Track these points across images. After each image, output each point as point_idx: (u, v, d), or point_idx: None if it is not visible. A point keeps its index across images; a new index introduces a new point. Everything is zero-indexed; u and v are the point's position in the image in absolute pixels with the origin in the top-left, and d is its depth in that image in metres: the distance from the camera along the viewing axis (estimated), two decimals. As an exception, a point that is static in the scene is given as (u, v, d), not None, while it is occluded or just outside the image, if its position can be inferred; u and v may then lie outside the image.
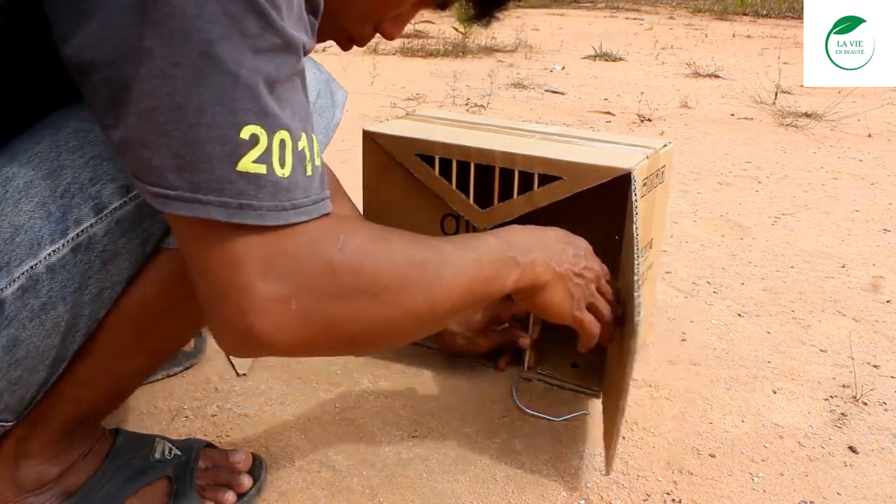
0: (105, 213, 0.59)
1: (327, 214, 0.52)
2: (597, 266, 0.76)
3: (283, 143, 0.48)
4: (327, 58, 3.97)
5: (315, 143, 0.52)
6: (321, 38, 0.71)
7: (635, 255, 0.75)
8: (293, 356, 0.57)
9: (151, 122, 0.46)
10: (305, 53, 0.51)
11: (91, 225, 0.58)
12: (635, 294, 0.73)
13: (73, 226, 0.58)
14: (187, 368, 1.02)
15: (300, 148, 0.50)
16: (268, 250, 0.48)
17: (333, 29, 0.69)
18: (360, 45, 0.73)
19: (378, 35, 0.71)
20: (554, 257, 0.69)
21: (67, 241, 0.58)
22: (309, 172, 0.50)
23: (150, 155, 0.47)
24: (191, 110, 0.46)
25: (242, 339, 0.50)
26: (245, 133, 0.46)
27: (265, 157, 0.47)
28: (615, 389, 0.78)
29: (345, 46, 0.75)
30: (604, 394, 0.93)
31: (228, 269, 0.48)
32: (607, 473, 0.82)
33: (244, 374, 1.03)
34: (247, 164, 0.47)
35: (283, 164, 0.48)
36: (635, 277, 0.73)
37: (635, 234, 0.77)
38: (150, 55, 0.45)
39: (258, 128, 0.47)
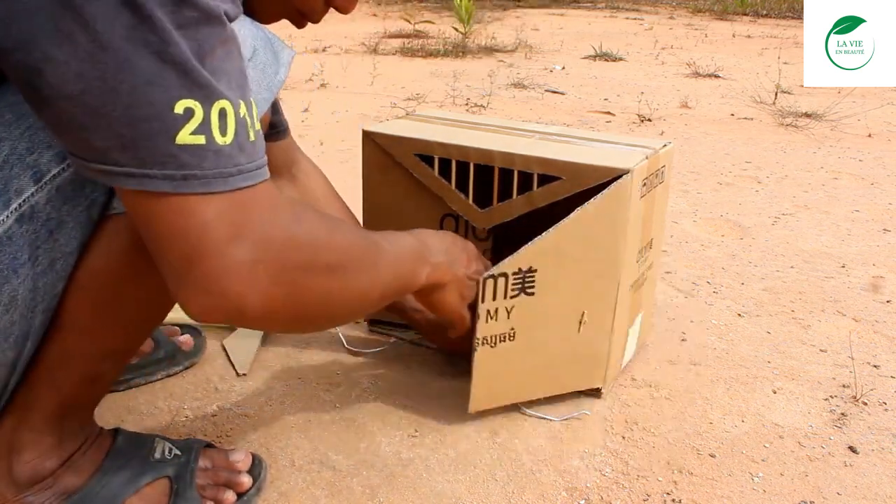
0: (45, 180, 0.59)
1: (269, 179, 0.54)
2: (482, 268, 0.84)
3: (223, 112, 0.50)
4: (328, 58, 3.98)
5: (254, 109, 0.54)
6: (273, 17, 0.73)
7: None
8: (256, 324, 0.58)
9: (84, 106, 0.47)
10: (231, 20, 0.52)
11: (32, 194, 0.58)
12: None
13: (14, 196, 0.58)
14: (187, 368, 1.02)
15: (241, 115, 0.51)
16: (232, 217, 0.50)
17: (284, 6, 0.71)
18: (315, 20, 0.74)
19: (339, 16, 0.74)
20: (454, 261, 0.78)
21: (11, 213, 0.58)
22: (252, 138, 0.52)
23: (88, 136, 0.48)
24: (124, 92, 0.47)
25: (214, 303, 0.51)
26: (179, 108, 0.48)
27: (203, 129, 0.49)
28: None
29: (298, 23, 0.76)
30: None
31: (195, 237, 0.50)
32: (470, 410, 0.91)
33: (244, 374, 1.03)
34: (185, 136, 0.48)
35: (224, 133, 0.50)
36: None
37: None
38: (71, 39, 0.46)
39: (192, 101, 0.48)
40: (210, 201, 0.50)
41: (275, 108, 0.97)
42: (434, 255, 0.75)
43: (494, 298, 0.86)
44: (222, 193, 0.50)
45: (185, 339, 1.03)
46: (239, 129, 0.51)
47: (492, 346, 0.88)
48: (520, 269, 0.87)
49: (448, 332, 0.88)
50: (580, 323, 0.92)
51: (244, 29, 0.67)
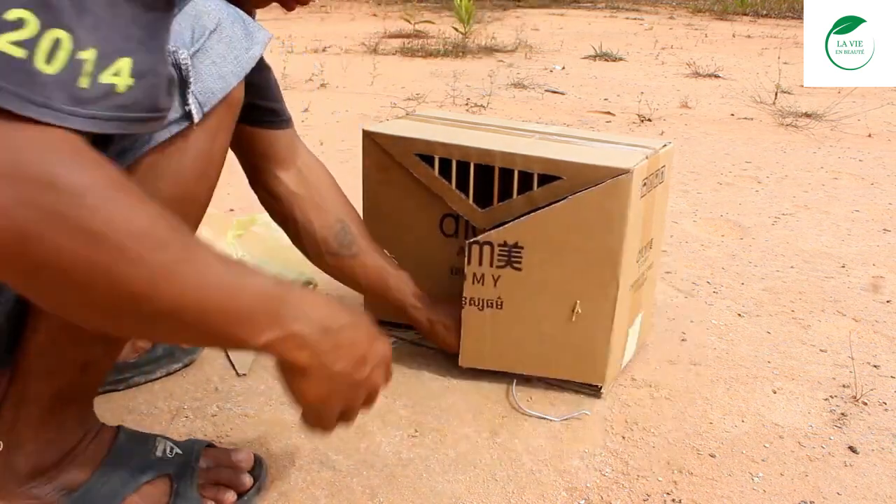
0: None
1: (81, 134, 0.48)
2: (380, 380, 0.67)
3: (57, 41, 0.46)
4: (328, 58, 3.98)
5: (124, 67, 0.49)
6: (263, 2, 0.73)
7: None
8: None
9: None
10: None
11: None
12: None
13: None
14: (187, 365, 1.02)
15: (82, 58, 0.47)
16: (5, 141, 0.44)
17: None
18: (303, 2, 0.74)
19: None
20: (333, 349, 0.59)
21: None
22: (84, 85, 0.47)
23: None
24: None
25: None
26: (11, 15, 0.44)
27: (28, 44, 0.45)
28: None
29: (288, 6, 0.76)
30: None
31: None
32: (461, 364, 1.00)
33: (244, 374, 1.03)
34: (3, 42, 0.44)
35: (49, 61, 0.46)
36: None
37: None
38: None
39: (29, 14, 0.45)
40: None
41: (273, 95, 0.95)
42: (296, 323, 0.56)
43: (480, 264, 0.94)
44: (11, 114, 0.44)
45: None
46: (69, 68, 0.46)
47: (479, 309, 0.97)
48: (505, 243, 0.93)
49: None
50: (573, 311, 0.93)
51: (210, 3, 0.66)
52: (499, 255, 0.93)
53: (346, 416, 0.66)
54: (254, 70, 0.84)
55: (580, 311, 0.94)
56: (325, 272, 1.04)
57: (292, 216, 0.99)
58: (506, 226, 0.92)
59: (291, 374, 0.59)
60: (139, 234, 0.48)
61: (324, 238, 0.98)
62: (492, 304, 0.96)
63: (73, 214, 0.46)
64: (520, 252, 0.93)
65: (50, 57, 0.45)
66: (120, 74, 0.49)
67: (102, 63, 0.48)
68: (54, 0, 0.46)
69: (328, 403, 0.62)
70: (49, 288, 0.49)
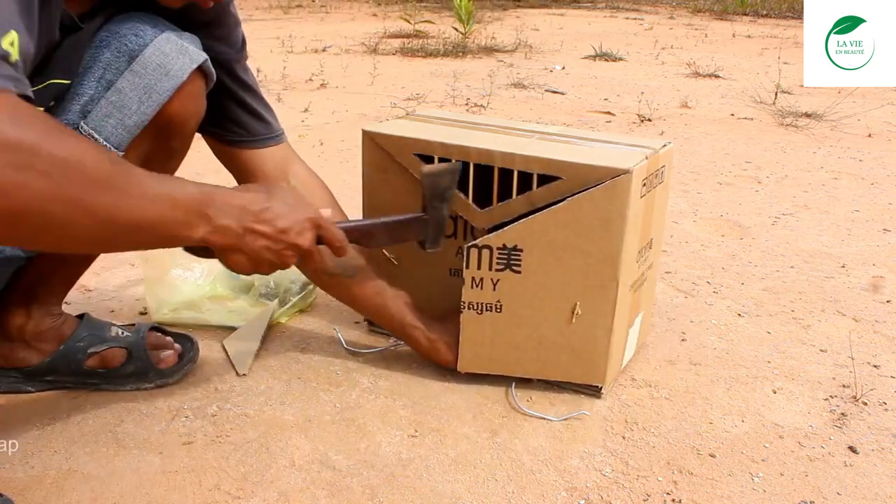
0: None
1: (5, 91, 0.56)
2: (304, 243, 0.80)
3: None
4: (328, 58, 3.98)
5: (11, 36, 0.56)
6: (178, 2, 0.78)
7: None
8: None
9: None
10: None
11: None
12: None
13: None
14: (159, 386, 0.99)
15: None
16: None
17: None
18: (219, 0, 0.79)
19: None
20: (249, 226, 0.75)
21: None
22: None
23: None
24: None
25: None
26: None
27: None
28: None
29: (204, 3, 0.80)
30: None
31: None
32: (459, 369, 1.00)
33: (244, 374, 1.03)
34: None
35: None
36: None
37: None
38: None
39: None
40: None
41: (256, 114, 0.97)
42: (219, 216, 0.72)
43: (479, 268, 0.93)
44: None
45: (167, 357, 1.00)
46: None
47: (478, 313, 0.96)
48: (504, 246, 0.92)
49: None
50: (573, 313, 0.93)
51: (130, 33, 0.79)
52: (498, 258, 0.93)
53: (280, 268, 0.81)
54: (236, 88, 0.91)
55: (580, 312, 0.93)
56: (323, 290, 1.05)
57: None
58: (505, 229, 0.91)
59: (224, 254, 0.76)
60: (98, 170, 0.60)
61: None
62: (491, 307, 0.96)
63: (37, 163, 0.55)
64: (519, 255, 0.92)
65: None
66: (14, 45, 0.57)
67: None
68: None
69: (257, 267, 0.79)
70: (29, 231, 0.59)
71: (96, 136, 0.79)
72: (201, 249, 0.79)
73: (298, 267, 0.97)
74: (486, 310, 0.96)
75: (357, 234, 0.88)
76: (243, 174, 1.00)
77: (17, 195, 0.55)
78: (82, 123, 0.79)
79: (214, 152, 1.00)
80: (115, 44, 0.79)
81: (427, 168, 0.91)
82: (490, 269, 0.94)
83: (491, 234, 0.92)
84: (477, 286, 0.95)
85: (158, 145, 0.86)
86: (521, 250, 0.92)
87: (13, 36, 0.57)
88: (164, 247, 0.73)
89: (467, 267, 0.94)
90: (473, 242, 0.93)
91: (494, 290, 0.95)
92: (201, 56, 0.84)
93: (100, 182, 0.60)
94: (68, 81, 0.80)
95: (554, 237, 0.91)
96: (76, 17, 0.78)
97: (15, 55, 0.57)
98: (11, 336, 0.95)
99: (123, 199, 0.62)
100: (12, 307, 0.94)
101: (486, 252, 0.93)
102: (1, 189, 0.54)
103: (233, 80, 0.94)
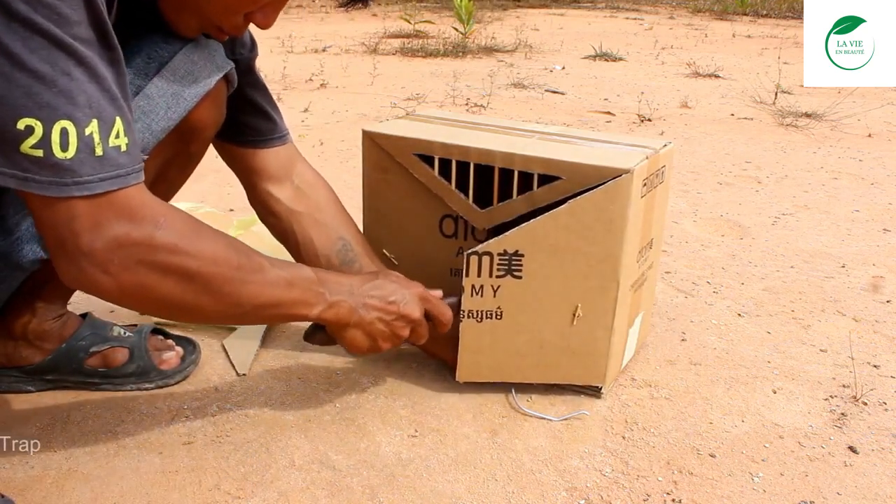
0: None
1: (132, 186, 0.63)
2: (414, 314, 0.87)
3: (64, 131, 0.58)
4: (329, 58, 3.98)
5: (117, 125, 0.61)
6: (192, 31, 0.80)
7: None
8: (116, 303, 0.68)
9: None
10: (83, 41, 0.59)
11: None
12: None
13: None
14: (160, 387, 0.99)
15: (87, 133, 0.59)
16: (92, 215, 0.61)
17: (200, 22, 0.78)
18: (237, 34, 0.80)
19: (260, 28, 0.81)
20: (361, 300, 0.83)
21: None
22: (99, 153, 0.60)
23: None
24: None
25: (74, 278, 0.63)
26: (21, 125, 0.57)
27: (42, 144, 0.58)
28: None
29: (218, 36, 0.81)
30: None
31: (61, 227, 0.61)
32: (458, 379, 0.98)
33: (244, 374, 1.03)
34: (26, 148, 0.58)
35: (64, 149, 0.59)
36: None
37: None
38: None
39: (33, 120, 0.57)
40: (69, 202, 0.60)
41: (265, 113, 0.98)
42: (334, 294, 0.80)
43: (479, 275, 0.92)
44: (85, 198, 0.60)
45: (169, 358, 1.01)
46: (82, 147, 0.59)
47: (477, 321, 0.94)
48: (505, 251, 0.90)
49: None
50: (574, 316, 0.93)
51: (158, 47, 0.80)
52: (499, 264, 0.91)
53: (394, 345, 0.88)
54: (244, 87, 0.92)
55: (581, 314, 0.93)
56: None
57: (291, 233, 1.01)
58: (505, 235, 0.90)
59: (340, 331, 0.83)
60: (226, 265, 0.69)
61: (325, 255, 0.99)
62: (491, 314, 0.94)
63: (176, 263, 0.65)
64: (520, 260, 0.91)
65: (63, 146, 0.58)
66: (119, 136, 0.62)
67: (105, 129, 0.61)
68: (42, 98, 0.57)
69: (374, 343, 0.85)
70: (170, 309, 0.69)
71: None
72: (322, 337, 0.88)
73: (295, 259, 1.01)
74: (487, 317, 0.94)
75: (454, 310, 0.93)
76: (247, 173, 1.00)
77: (156, 291, 0.65)
78: None
79: (218, 150, 1.00)
80: (147, 50, 0.79)
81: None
82: (491, 275, 0.92)
83: (491, 241, 0.91)
84: (477, 294, 0.93)
85: (179, 150, 0.87)
86: (522, 255, 0.91)
87: (118, 125, 0.62)
88: (290, 321, 0.86)
89: (467, 275, 0.92)
90: (474, 250, 0.91)
91: (495, 296, 0.93)
92: (228, 64, 0.86)
93: (229, 278, 0.69)
94: None
95: (555, 240, 0.90)
96: None
97: (124, 142, 0.62)
98: (15, 334, 0.94)
99: (246, 287, 0.71)
100: (18, 305, 0.93)
101: (486, 259, 0.91)
102: (141, 287, 0.64)
103: (246, 80, 0.94)
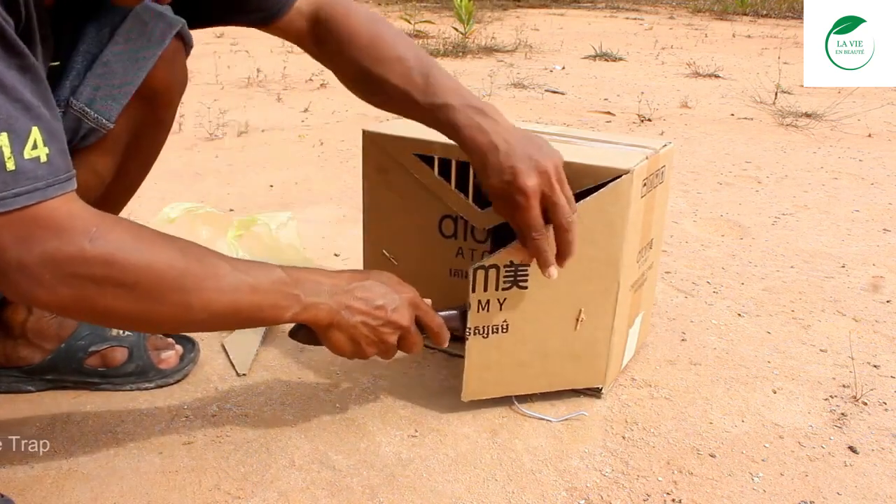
0: None
1: (56, 198, 0.60)
2: (403, 321, 0.81)
3: None
4: (327, 58, 3.97)
5: (33, 136, 0.58)
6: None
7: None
8: (57, 314, 0.69)
9: None
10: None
11: None
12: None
13: None
14: (160, 386, 0.99)
15: None
16: (15, 231, 0.58)
17: None
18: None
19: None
20: (343, 301, 0.77)
21: None
22: (11, 167, 0.57)
23: None
24: None
25: (11, 291, 0.61)
26: None
27: None
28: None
29: (160, 0, 0.78)
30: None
31: None
32: (463, 398, 0.94)
33: (244, 374, 1.03)
34: None
35: None
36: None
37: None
38: None
39: None
40: None
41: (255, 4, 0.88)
42: (310, 295, 0.75)
43: (486, 290, 0.88)
44: (2, 214, 0.57)
45: (168, 357, 1.00)
46: None
47: (484, 337, 0.91)
48: (511, 262, 0.88)
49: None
50: (577, 320, 0.93)
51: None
52: (505, 276, 0.89)
53: (383, 354, 0.83)
54: None
55: (584, 317, 0.93)
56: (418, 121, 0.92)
57: (369, 89, 0.96)
58: (510, 246, 0.87)
59: (322, 333, 0.78)
60: (160, 272, 0.64)
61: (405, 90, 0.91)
62: (497, 329, 0.91)
63: (113, 276, 0.62)
64: (526, 269, 0.89)
65: None
66: (37, 146, 0.59)
67: (18, 142, 0.57)
68: None
69: (358, 348, 0.80)
70: (116, 320, 0.66)
71: (87, 110, 0.79)
72: (305, 335, 0.82)
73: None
74: (493, 332, 0.91)
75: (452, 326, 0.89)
76: (296, 43, 0.94)
77: (96, 304, 0.62)
78: (72, 100, 0.78)
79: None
80: (97, 20, 0.79)
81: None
82: (497, 288, 0.89)
83: (496, 253, 0.88)
84: (483, 309, 0.90)
85: (147, 118, 0.87)
86: (527, 265, 0.89)
87: (35, 134, 0.59)
88: (263, 325, 0.81)
89: (473, 290, 0.88)
90: (480, 264, 0.87)
91: (501, 310, 0.90)
92: (179, 21, 0.84)
93: (173, 286, 0.65)
94: (57, 63, 0.79)
95: None
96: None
97: (10, 163, 0.58)
98: (14, 333, 0.95)
99: (198, 294, 0.66)
100: (15, 303, 0.94)
101: (493, 272, 0.88)
102: (81, 300, 0.62)
103: None
